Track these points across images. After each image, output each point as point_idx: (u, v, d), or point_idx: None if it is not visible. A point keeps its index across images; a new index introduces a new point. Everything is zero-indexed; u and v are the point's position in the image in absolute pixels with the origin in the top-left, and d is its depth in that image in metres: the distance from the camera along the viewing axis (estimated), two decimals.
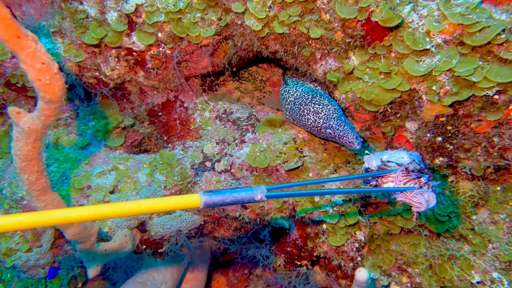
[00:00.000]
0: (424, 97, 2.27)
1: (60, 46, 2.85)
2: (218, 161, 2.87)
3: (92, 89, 3.04)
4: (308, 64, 2.64)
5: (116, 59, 2.88)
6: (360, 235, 2.59)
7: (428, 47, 2.19)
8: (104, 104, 3.25)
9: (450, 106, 2.26)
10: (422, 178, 1.82)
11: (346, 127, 2.45)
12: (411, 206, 1.83)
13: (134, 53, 2.83)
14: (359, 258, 2.59)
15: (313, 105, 2.64)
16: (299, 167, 2.67)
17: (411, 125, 2.45)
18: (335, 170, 2.67)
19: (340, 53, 2.43)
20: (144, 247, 2.98)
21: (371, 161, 2.01)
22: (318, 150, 2.76)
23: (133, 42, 2.73)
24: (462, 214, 2.52)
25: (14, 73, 2.88)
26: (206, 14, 2.59)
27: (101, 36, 2.69)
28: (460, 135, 2.36)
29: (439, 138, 2.40)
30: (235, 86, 3.82)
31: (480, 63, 2.13)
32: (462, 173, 2.50)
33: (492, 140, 2.32)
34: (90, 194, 2.88)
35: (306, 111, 2.65)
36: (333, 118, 2.51)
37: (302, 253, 2.78)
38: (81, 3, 2.66)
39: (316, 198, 2.58)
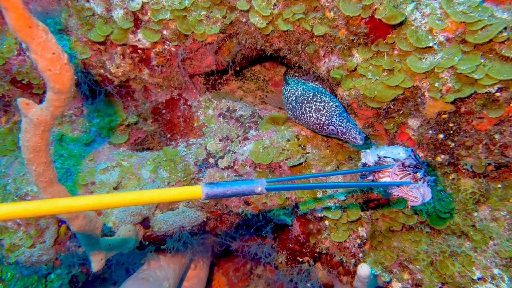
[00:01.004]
0: (426, 94, 2.30)
1: (66, 43, 2.88)
2: (222, 157, 2.90)
3: (97, 86, 3.07)
4: (311, 61, 2.67)
5: (121, 57, 2.91)
6: (362, 232, 2.61)
7: (430, 44, 2.22)
8: (109, 102, 3.28)
9: (452, 103, 2.29)
10: (418, 173, 1.86)
11: (348, 123, 2.47)
12: (407, 200, 1.87)
13: (139, 51, 2.86)
14: (361, 255, 2.61)
15: (314, 102, 2.66)
16: (301, 163, 2.69)
17: (413, 122, 2.47)
18: (338, 167, 2.69)
19: (344, 50, 2.46)
20: (147, 243, 3.00)
21: (368, 157, 2.05)
22: (321, 147, 2.78)
23: (139, 40, 2.77)
24: (463, 211, 2.54)
25: (20, 70, 2.91)
26: (211, 12, 2.62)
27: (107, 33, 2.72)
28: (462, 132, 2.39)
29: (441, 135, 2.43)
30: (238, 86, 3.85)
31: (482, 60, 2.16)
32: (464, 170, 2.51)
33: (494, 137, 2.34)
34: (94, 190, 2.90)
35: (308, 109, 2.67)
36: (335, 115, 2.53)
37: (304, 250, 2.80)
38: (88, 1, 2.70)
39: (319, 194, 2.60)
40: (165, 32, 2.71)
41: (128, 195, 1.39)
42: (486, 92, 2.20)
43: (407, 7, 2.29)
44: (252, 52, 3.07)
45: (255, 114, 3.15)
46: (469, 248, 2.50)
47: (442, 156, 2.49)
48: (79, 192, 2.89)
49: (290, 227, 2.84)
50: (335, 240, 2.60)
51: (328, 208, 2.63)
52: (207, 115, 3.28)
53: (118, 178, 2.95)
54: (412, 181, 1.86)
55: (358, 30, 2.33)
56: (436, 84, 2.25)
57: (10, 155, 3.17)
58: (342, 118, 2.50)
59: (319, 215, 2.66)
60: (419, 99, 2.34)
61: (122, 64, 2.93)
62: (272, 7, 2.45)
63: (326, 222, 2.66)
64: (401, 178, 1.88)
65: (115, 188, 2.92)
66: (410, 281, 2.58)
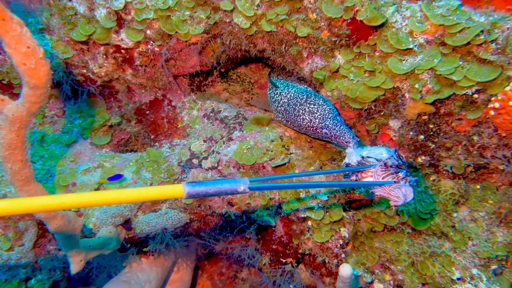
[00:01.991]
0: (407, 95, 2.33)
1: (47, 42, 2.84)
2: (205, 158, 2.88)
3: (79, 86, 3.03)
4: (295, 62, 2.68)
5: (104, 56, 2.88)
6: (345, 232, 2.61)
7: (411, 46, 2.26)
8: (91, 102, 3.24)
9: (432, 104, 2.32)
10: (400, 173, 1.87)
11: (342, 127, 2.40)
12: (390, 200, 1.88)
13: (122, 50, 2.84)
14: (343, 255, 2.62)
15: (308, 105, 2.59)
16: (285, 164, 2.70)
17: (394, 123, 2.50)
18: (321, 167, 2.70)
19: (327, 51, 2.48)
20: (129, 245, 2.95)
21: (352, 157, 2.06)
22: (304, 148, 2.79)
23: (122, 39, 2.75)
24: (444, 212, 2.57)
25: (0, 70, 2.86)
26: (195, 12, 2.62)
27: (90, 32, 2.70)
28: (442, 134, 2.42)
29: (422, 136, 2.46)
30: (223, 87, 3.85)
31: (461, 62, 2.21)
32: (444, 171, 2.55)
33: (472, 138, 2.38)
34: (75, 191, 2.85)
35: (301, 111, 2.60)
36: (329, 118, 2.47)
37: (287, 251, 2.79)
38: (70, 0, 2.67)
39: (302, 194, 2.61)
40: (148, 31, 2.70)
41: (107, 194, 1.35)
42: (465, 94, 2.24)
43: (388, 9, 2.32)
44: (236, 53, 3.08)
45: (240, 115, 3.15)
46: (449, 248, 2.53)
47: (423, 157, 2.53)
48: (59, 193, 2.84)
49: (273, 228, 2.84)
50: (318, 240, 2.60)
51: (311, 208, 2.63)
52: (192, 116, 3.26)
53: (100, 179, 2.91)
54: (394, 180, 1.88)
55: (340, 32, 2.35)
56: (416, 85, 2.29)
57: None
58: (336, 121, 2.44)
59: (302, 215, 2.66)
60: (400, 100, 2.37)
61: (105, 64, 2.90)
62: (256, 8, 2.47)
63: (309, 223, 2.66)
64: (383, 178, 1.89)
65: (97, 189, 2.88)
66: (391, 282, 2.60)
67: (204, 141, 3.02)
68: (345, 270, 2.26)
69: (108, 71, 2.95)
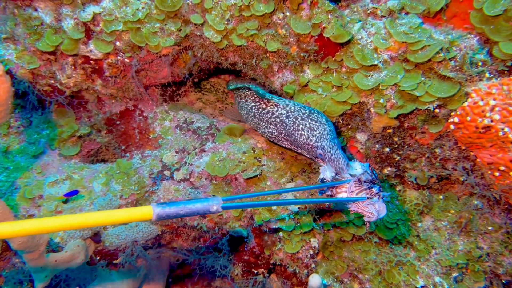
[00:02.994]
0: (372, 109, 2.41)
1: (12, 52, 2.77)
2: (177, 170, 2.87)
3: (47, 97, 2.96)
4: (266, 76, 2.72)
5: (73, 67, 2.83)
6: (315, 242, 2.66)
7: (375, 62, 2.34)
8: (60, 113, 3.17)
9: (396, 118, 2.41)
10: (373, 189, 1.90)
11: (338, 151, 2.21)
12: (363, 216, 1.91)
13: (91, 61, 2.80)
14: (313, 265, 2.66)
15: (310, 120, 2.41)
16: (257, 175, 2.72)
17: (361, 136, 2.57)
18: (292, 179, 2.74)
19: (296, 66, 2.53)
20: (98, 258, 2.90)
21: (326, 172, 2.08)
22: (276, 160, 2.83)
23: (90, 50, 2.71)
24: (409, 222, 2.66)
25: None
26: (166, 24, 2.62)
27: (57, 43, 2.65)
28: (406, 146, 2.51)
29: (387, 149, 2.54)
30: (197, 97, 3.84)
31: (423, 78, 2.30)
32: (409, 182, 2.64)
33: (435, 151, 2.48)
34: (41, 204, 2.78)
35: (301, 125, 2.42)
36: (326, 139, 2.29)
37: (259, 261, 2.81)
38: (36, 10, 2.62)
39: (274, 207, 2.64)
40: (118, 43, 2.67)
41: (72, 218, 1.29)
42: (427, 109, 2.33)
43: (354, 26, 2.40)
44: (209, 64, 3.09)
45: (213, 126, 3.16)
46: (414, 257, 2.62)
47: (389, 168, 2.61)
48: (24, 206, 2.76)
49: (245, 239, 2.85)
50: (289, 251, 2.63)
51: (282, 219, 2.66)
52: (164, 126, 3.25)
53: (68, 191, 2.84)
54: (367, 196, 1.89)
55: (309, 47, 2.41)
56: (381, 101, 2.36)
57: None
58: (332, 144, 2.26)
59: (274, 226, 2.69)
60: (366, 114, 2.45)
61: (74, 75, 2.85)
62: (226, 22, 2.49)
63: (280, 234, 2.69)
64: (357, 194, 1.90)
65: (65, 202, 2.81)
66: None
67: (176, 152, 3.01)
68: (315, 280, 2.30)
69: (77, 82, 2.89)
